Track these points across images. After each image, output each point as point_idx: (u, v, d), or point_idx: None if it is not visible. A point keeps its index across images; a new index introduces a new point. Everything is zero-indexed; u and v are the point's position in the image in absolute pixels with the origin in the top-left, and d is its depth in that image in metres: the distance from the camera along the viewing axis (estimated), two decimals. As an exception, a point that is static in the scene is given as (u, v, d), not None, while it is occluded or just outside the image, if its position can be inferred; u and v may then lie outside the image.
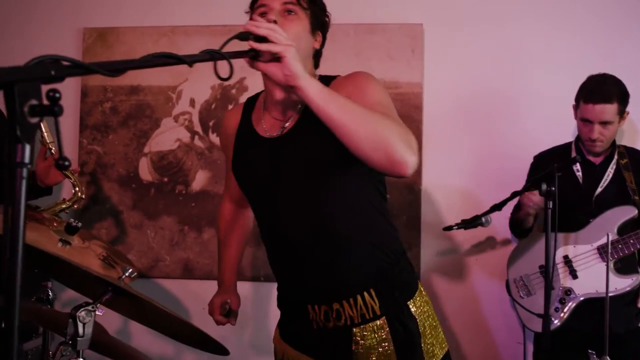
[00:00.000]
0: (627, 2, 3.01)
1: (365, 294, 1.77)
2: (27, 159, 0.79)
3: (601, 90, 2.52)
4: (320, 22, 1.90)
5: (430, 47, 3.08)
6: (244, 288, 3.06)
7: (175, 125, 3.12)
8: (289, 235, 1.78)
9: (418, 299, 1.84)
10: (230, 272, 2.24)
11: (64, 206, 2.56)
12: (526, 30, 3.04)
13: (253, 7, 1.88)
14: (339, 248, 1.76)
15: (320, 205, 1.75)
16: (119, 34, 3.20)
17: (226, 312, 2.16)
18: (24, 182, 0.80)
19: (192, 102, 3.13)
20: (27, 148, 0.79)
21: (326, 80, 1.88)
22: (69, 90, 3.16)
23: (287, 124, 1.79)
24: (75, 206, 2.58)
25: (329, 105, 1.50)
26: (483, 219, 2.59)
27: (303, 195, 1.75)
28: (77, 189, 2.56)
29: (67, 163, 0.81)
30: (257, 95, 1.99)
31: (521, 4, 3.05)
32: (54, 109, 0.78)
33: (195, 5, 3.20)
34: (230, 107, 3.05)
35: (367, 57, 3.04)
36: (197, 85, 3.11)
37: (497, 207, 2.56)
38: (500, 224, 2.85)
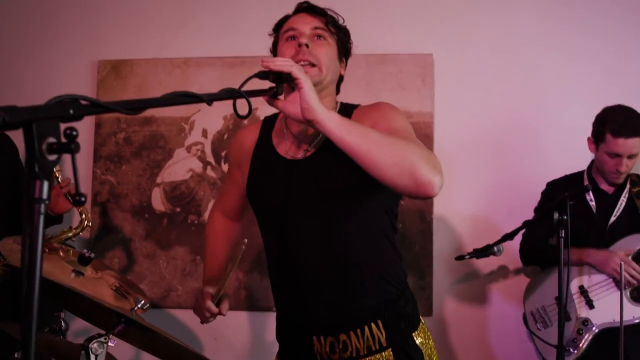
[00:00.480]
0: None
1: (373, 324, 1.75)
2: (45, 195, 0.81)
3: (630, 124, 2.51)
4: (345, 49, 1.93)
5: (440, 76, 3.10)
6: (239, 317, 3.07)
7: (187, 155, 3.15)
8: (300, 260, 1.77)
9: (421, 330, 1.84)
10: (220, 270, 2.13)
11: (70, 234, 2.58)
12: (538, 60, 3.07)
13: (279, 30, 1.91)
14: (350, 277, 1.76)
15: (335, 232, 1.75)
16: (133, 65, 3.24)
17: (216, 301, 1.99)
18: (41, 218, 0.81)
19: (205, 133, 3.16)
20: (45, 184, 0.81)
21: (348, 109, 1.91)
22: (83, 121, 3.13)
23: (311, 147, 1.80)
24: (82, 234, 2.60)
25: (348, 136, 1.52)
26: (495, 248, 2.58)
27: (319, 221, 1.75)
28: (83, 216, 2.58)
29: (83, 199, 0.82)
30: (276, 115, 2.00)
31: (532, 33, 3.08)
32: (71, 147, 0.80)
33: (207, 37, 3.25)
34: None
35: (378, 87, 3.07)
36: (210, 116, 3.15)
37: (509, 236, 2.55)
38: (512, 253, 2.84)
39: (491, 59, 3.10)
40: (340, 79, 1.97)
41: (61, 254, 2.16)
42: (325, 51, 1.82)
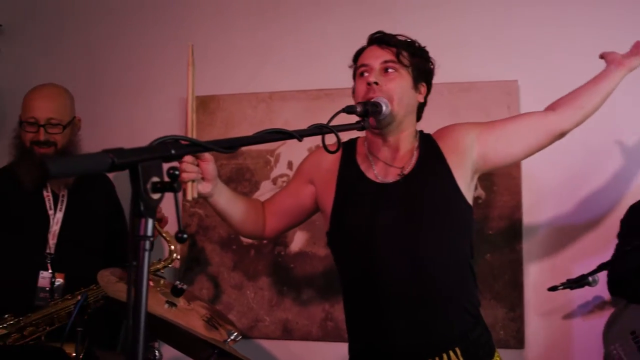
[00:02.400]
0: None
1: (452, 352, 1.74)
2: (149, 233, 0.85)
3: None
4: (423, 73, 1.94)
5: (526, 103, 3.04)
6: (326, 348, 3.06)
7: (273, 187, 3.20)
8: (386, 285, 1.76)
9: (497, 357, 1.84)
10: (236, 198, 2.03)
11: (159, 266, 2.66)
12: (625, 84, 2.96)
13: (356, 62, 1.95)
14: (433, 302, 1.75)
15: (424, 259, 1.75)
16: (220, 101, 3.34)
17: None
18: (147, 254, 0.85)
19: (290, 165, 3.21)
20: (150, 222, 0.85)
21: (427, 137, 1.93)
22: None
23: (405, 170, 1.82)
24: (170, 266, 2.67)
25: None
26: (590, 279, 2.49)
27: (408, 244, 1.75)
28: (172, 247, 2.64)
29: (185, 236, 0.86)
30: (354, 140, 2.02)
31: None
32: (173, 186, 0.83)
33: (291, 70, 3.32)
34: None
35: (462, 116, 3.03)
36: (295, 148, 3.19)
37: (605, 265, 2.46)
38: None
39: (578, 83, 3.01)
40: (421, 105, 1.97)
41: (151, 283, 2.24)
42: (395, 85, 1.83)
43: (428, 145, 1.93)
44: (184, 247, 3.25)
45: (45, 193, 2.70)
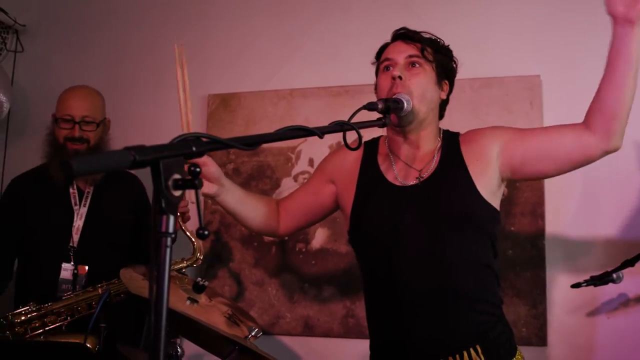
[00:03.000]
0: None
1: (472, 350, 1.73)
2: (171, 229, 0.85)
3: None
4: (446, 70, 1.93)
5: (549, 98, 3.02)
6: (348, 345, 3.06)
7: (294, 184, 3.20)
8: (406, 285, 1.76)
9: (519, 358, 1.83)
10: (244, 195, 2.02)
11: (181, 265, 2.68)
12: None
13: (379, 59, 1.94)
14: (454, 303, 1.75)
15: (444, 261, 1.76)
16: (241, 98, 3.35)
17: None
18: (168, 250, 0.86)
19: (311, 162, 3.21)
20: (172, 219, 0.85)
21: (452, 136, 1.92)
22: (195, 153, 3.33)
23: (423, 174, 1.81)
24: (194, 265, 2.70)
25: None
26: (614, 275, 2.46)
27: (428, 248, 1.76)
28: (196, 246, 2.67)
29: (206, 232, 0.86)
30: (377, 139, 2.02)
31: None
32: (194, 182, 0.84)
33: (312, 68, 3.32)
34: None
35: (485, 111, 3.02)
36: (316, 145, 3.19)
37: (630, 262, 2.43)
38: (631, 279, 2.69)
39: (599, 78, 2.98)
40: (444, 102, 1.97)
41: (177, 282, 2.25)
42: (419, 81, 1.83)
43: (451, 148, 1.90)
44: (206, 244, 3.27)
45: (71, 190, 2.82)
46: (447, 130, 1.98)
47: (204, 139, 0.91)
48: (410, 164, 1.85)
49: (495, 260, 1.88)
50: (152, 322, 0.84)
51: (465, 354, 1.73)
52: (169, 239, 0.85)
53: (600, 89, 1.80)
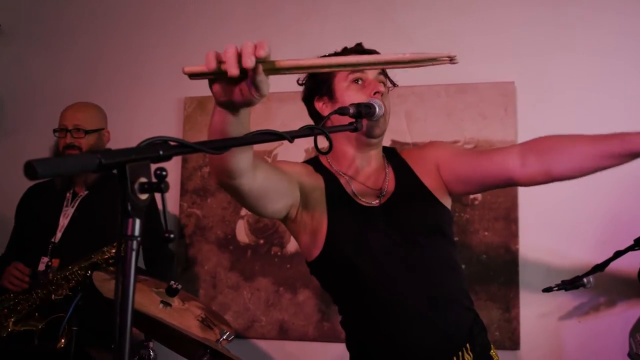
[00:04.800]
0: None
1: (464, 349, 1.76)
2: (137, 233, 0.85)
3: None
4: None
5: (522, 104, 3.05)
6: (322, 349, 3.06)
7: (270, 188, 3.20)
8: (394, 297, 1.77)
9: (493, 350, 1.89)
10: None
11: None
12: (624, 83, 2.97)
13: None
14: (441, 304, 1.78)
15: (424, 265, 1.78)
16: (218, 102, 3.35)
17: None
18: (134, 254, 0.86)
19: (287, 166, 3.21)
20: (137, 222, 0.85)
21: (391, 153, 1.96)
22: (171, 156, 3.32)
23: (384, 192, 1.83)
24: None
25: None
26: (585, 280, 2.49)
27: (409, 257, 1.77)
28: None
29: (172, 236, 0.86)
30: (319, 160, 1.93)
31: (616, 57, 2.99)
32: (160, 186, 0.84)
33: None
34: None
35: (459, 117, 3.05)
36: (292, 149, 3.19)
37: (600, 267, 2.46)
38: (604, 285, 2.74)
39: (574, 85, 3.02)
40: None
41: (150, 285, 2.24)
42: (388, 98, 1.87)
43: (400, 165, 1.93)
44: (181, 248, 3.26)
45: (67, 194, 2.99)
46: (384, 146, 1.99)
47: (172, 143, 0.91)
48: (365, 183, 1.86)
49: (456, 252, 1.95)
50: (117, 325, 0.84)
51: (460, 354, 1.76)
52: (134, 242, 0.85)
53: (580, 152, 1.75)
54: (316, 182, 1.85)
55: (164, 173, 0.85)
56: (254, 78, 1.25)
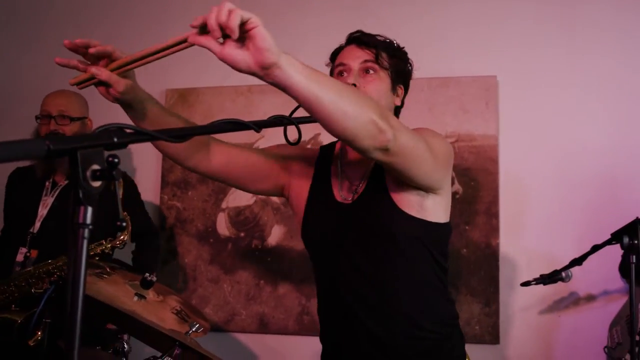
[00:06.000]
0: None
1: None
2: (88, 220, 0.84)
3: None
4: (402, 75, 1.86)
5: (505, 99, 3.05)
6: (303, 342, 3.06)
7: (251, 181, 3.19)
8: (346, 298, 1.75)
9: None
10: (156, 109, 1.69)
11: (102, 248, 2.63)
12: (604, 79, 2.97)
13: (334, 61, 1.89)
14: (394, 319, 1.72)
15: (382, 278, 1.72)
16: (199, 94, 3.33)
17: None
18: (85, 242, 0.84)
19: (268, 159, 3.19)
20: (89, 210, 0.84)
21: None
22: (151, 148, 3.28)
23: (358, 189, 1.78)
24: (119, 246, 2.63)
25: (315, 85, 1.31)
26: (563, 274, 2.50)
27: (366, 267, 1.73)
28: (123, 233, 2.62)
29: (124, 224, 0.85)
30: (333, 144, 1.94)
31: (598, 52, 2.99)
32: (112, 174, 0.82)
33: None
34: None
35: (441, 110, 3.04)
36: (273, 141, 3.16)
37: (578, 261, 2.47)
38: (582, 278, 2.74)
39: (556, 79, 3.02)
40: (397, 108, 1.92)
41: (124, 278, 2.21)
42: (375, 88, 1.76)
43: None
44: (162, 241, 3.23)
45: (47, 183, 2.94)
46: None
47: (128, 130, 0.90)
48: (350, 178, 1.82)
49: (440, 274, 1.80)
50: (68, 315, 0.82)
51: None
52: (86, 230, 0.83)
53: None
54: (307, 169, 1.88)
55: (116, 160, 0.83)
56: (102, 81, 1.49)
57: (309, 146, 3.15)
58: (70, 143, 0.81)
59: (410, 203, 1.71)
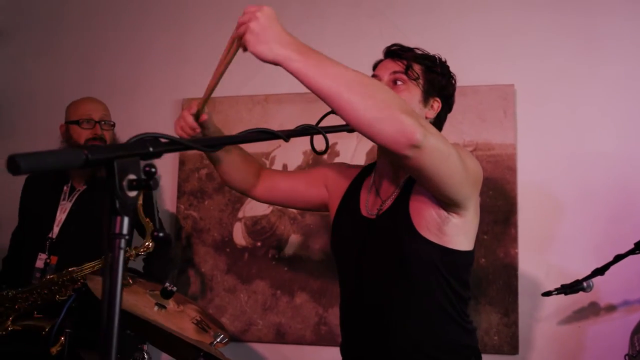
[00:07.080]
0: None
1: None
2: (125, 231, 0.83)
3: None
4: (436, 87, 1.87)
5: (522, 107, 3.03)
6: (319, 353, 3.04)
7: (268, 190, 3.18)
8: (363, 313, 1.78)
9: None
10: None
11: (128, 255, 2.61)
12: (624, 88, 2.95)
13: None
14: (397, 342, 1.71)
15: (390, 296, 1.73)
16: (216, 103, 3.33)
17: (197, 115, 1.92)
18: (121, 252, 0.83)
19: (285, 168, 3.19)
20: (126, 220, 0.83)
21: None
22: (169, 158, 3.29)
23: (383, 206, 1.78)
24: (142, 253, 2.62)
25: (320, 74, 1.47)
26: (585, 284, 2.47)
27: (383, 286, 1.74)
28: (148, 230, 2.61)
29: (161, 235, 0.84)
30: (374, 163, 1.97)
31: (616, 60, 2.97)
32: (149, 183, 0.82)
33: (287, 74, 3.27)
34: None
35: (459, 119, 3.02)
36: (290, 151, 3.18)
37: (600, 271, 2.44)
38: (603, 289, 2.71)
39: (574, 88, 3.00)
40: (436, 121, 1.90)
41: (145, 288, 2.21)
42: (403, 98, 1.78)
43: (411, 179, 1.80)
44: (178, 250, 3.23)
45: (65, 187, 2.94)
46: None
47: (163, 140, 0.89)
48: (379, 194, 1.83)
49: (456, 303, 1.77)
50: (104, 325, 0.81)
51: None
52: (122, 241, 0.83)
53: None
54: (340, 184, 1.98)
55: (153, 170, 0.83)
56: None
57: (325, 156, 3.14)
58: (107, 153, 0.81)
59: (429, 226, 1.69)
